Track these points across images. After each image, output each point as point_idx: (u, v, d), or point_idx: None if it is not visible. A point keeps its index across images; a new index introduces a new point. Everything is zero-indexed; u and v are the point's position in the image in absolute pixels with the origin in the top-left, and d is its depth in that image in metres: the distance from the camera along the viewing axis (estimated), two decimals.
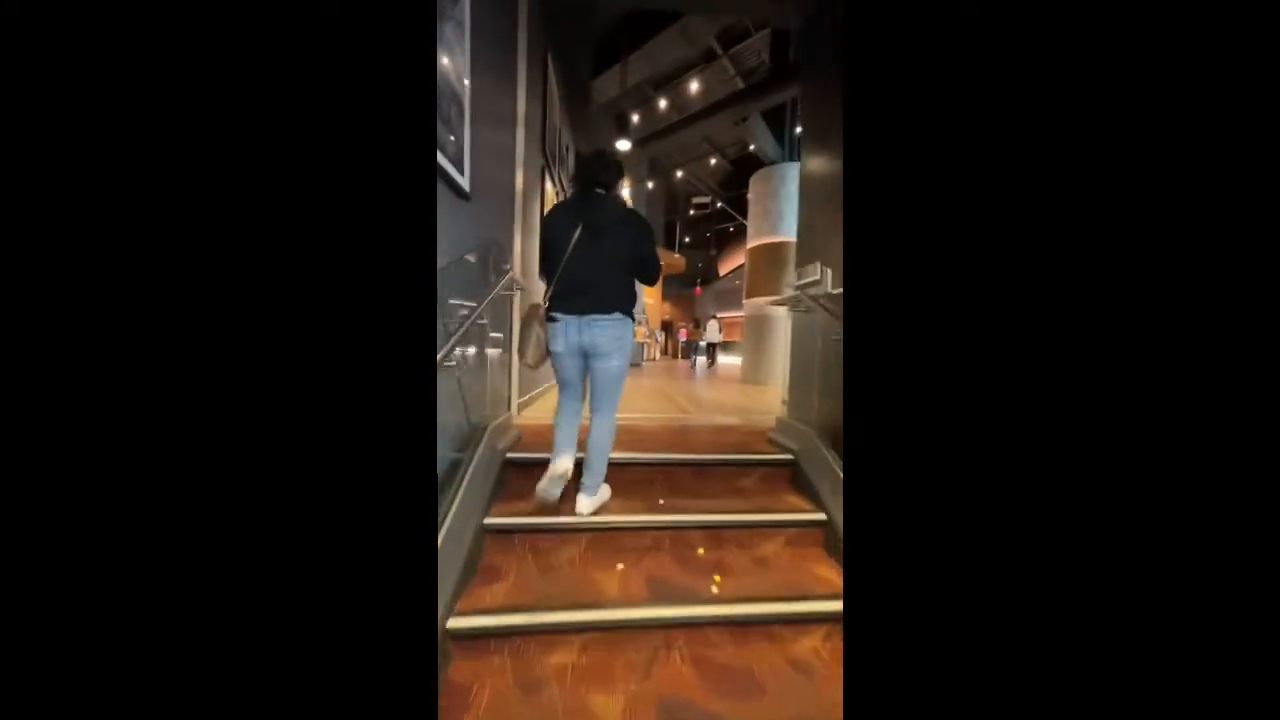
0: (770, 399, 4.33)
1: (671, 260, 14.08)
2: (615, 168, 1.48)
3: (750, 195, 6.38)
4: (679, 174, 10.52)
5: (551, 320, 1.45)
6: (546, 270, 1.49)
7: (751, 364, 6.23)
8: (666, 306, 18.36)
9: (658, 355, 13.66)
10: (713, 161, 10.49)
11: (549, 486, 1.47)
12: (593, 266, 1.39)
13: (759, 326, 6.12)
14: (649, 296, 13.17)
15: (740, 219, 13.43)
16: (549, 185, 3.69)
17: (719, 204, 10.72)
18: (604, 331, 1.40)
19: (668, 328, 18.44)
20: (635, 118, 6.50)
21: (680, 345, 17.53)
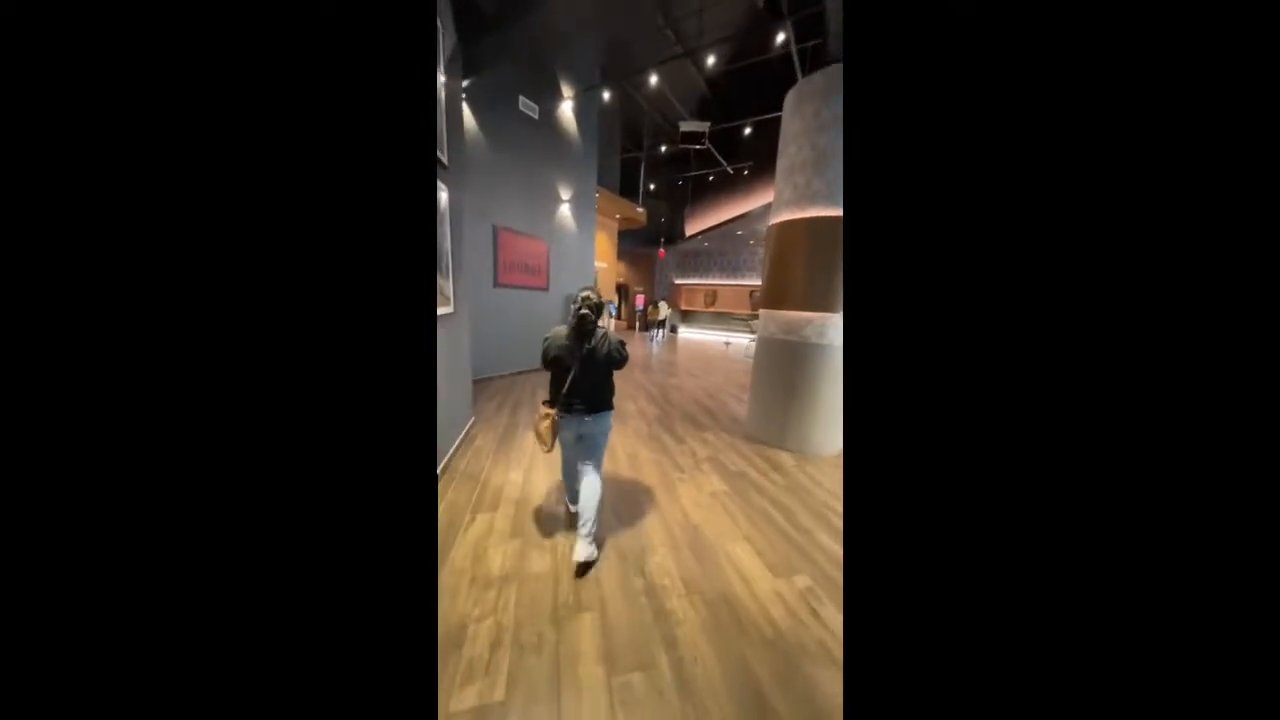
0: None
1: (632, 214, 11.10)
2: (596, 312, 1.94)
3: (784, 127, 3.48)
4: (653, 80, 6.92)
5: (563, 417, 2.01)
6: (553, 378, 2.05)
7: (764, 412, 3.69)
8: (622, 268, 15.20)
9: (611, 326, 11.75)
10: (710, 61, 7.03)
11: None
12: (590, 381, 1.98)
13: (785, 357, 3.49)
14: (601, 260, 10.32)
15: (724, 163, 10.49)
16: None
17: (705, 138, 7.41)
18: (599, 424, 2.03)
19: (623, 292, 15.62)
20: None
21: (636, 315, 15.85)
